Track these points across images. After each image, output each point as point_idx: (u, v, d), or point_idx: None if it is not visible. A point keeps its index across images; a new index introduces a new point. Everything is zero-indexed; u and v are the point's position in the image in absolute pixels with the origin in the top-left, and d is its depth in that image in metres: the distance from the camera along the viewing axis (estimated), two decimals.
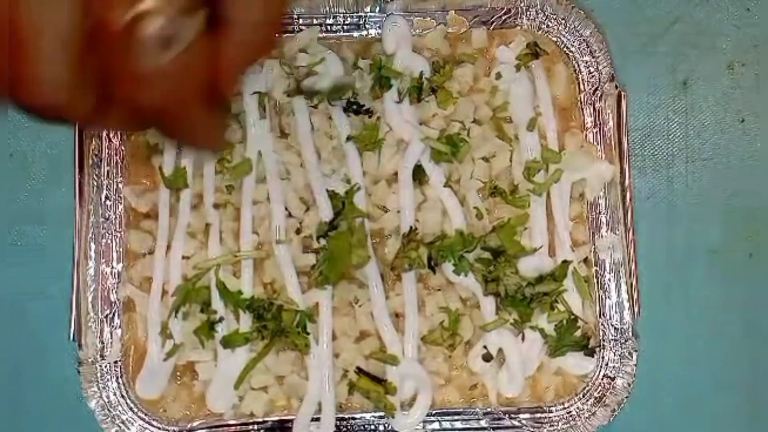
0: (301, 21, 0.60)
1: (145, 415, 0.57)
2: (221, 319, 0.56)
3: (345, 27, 0.60)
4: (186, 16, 0.29)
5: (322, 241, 0.57)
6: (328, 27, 0.60)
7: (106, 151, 0.59)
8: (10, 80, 0.28)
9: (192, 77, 0.31)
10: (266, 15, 0.32)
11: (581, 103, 0.60)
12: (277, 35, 0.38)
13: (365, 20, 0.60)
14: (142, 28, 0.28)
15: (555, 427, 0.57)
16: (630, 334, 0.58)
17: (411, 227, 0.57)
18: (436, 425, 0.57)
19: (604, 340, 0.58)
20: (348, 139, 0.58)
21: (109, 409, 0.57)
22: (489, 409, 0.57)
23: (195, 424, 0.57)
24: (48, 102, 0.29)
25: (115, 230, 0.58)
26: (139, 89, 0.30)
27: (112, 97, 0.30)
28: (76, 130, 0.58)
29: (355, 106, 0.58)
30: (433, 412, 0.57)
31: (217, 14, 0.30)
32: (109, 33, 0.28)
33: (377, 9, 0.60)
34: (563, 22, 0.60)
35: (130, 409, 0.57)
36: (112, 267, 0.58)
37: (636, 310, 0.58)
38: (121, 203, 0.59)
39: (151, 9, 0.28)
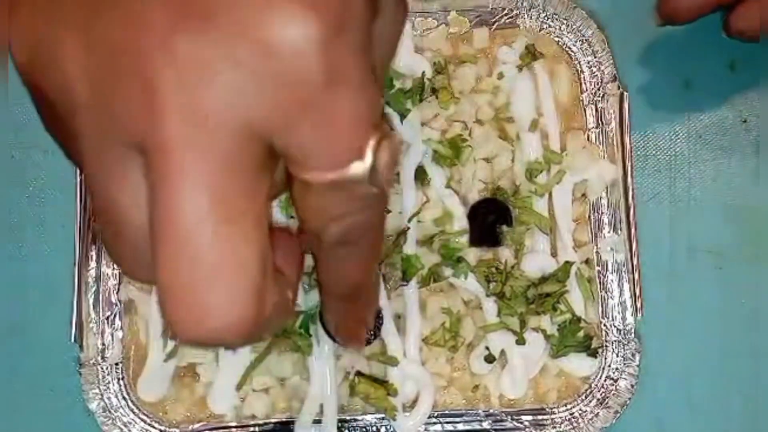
0: None
1: (147, 416, 0.57)
2: None
3: None
4: None
5: None
6: None
7: None
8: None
9: None
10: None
11: (583, 103, 0.60)
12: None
13: None
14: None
15: (558, 429, 0.57)
16: (633, 335, 0.57)
17: (403, 228, 0.57)
18: (438, 427, 0.57)
19: (606, 342, 0.58)
20: None
21: (110, 411, 0.57)
22: (491, 411, 0.57)
23: (196, 426, 0.57)
24: None
25: None
26: None
27: None
28: None
29: None
30: (435, 413, 0.57)
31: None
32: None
33: None
34: (565, 22, 0.60)
35: (132, 411, 0.57)
36: (113, 268, 0.58)
37: (639, 311, 0.57)
38: None
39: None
